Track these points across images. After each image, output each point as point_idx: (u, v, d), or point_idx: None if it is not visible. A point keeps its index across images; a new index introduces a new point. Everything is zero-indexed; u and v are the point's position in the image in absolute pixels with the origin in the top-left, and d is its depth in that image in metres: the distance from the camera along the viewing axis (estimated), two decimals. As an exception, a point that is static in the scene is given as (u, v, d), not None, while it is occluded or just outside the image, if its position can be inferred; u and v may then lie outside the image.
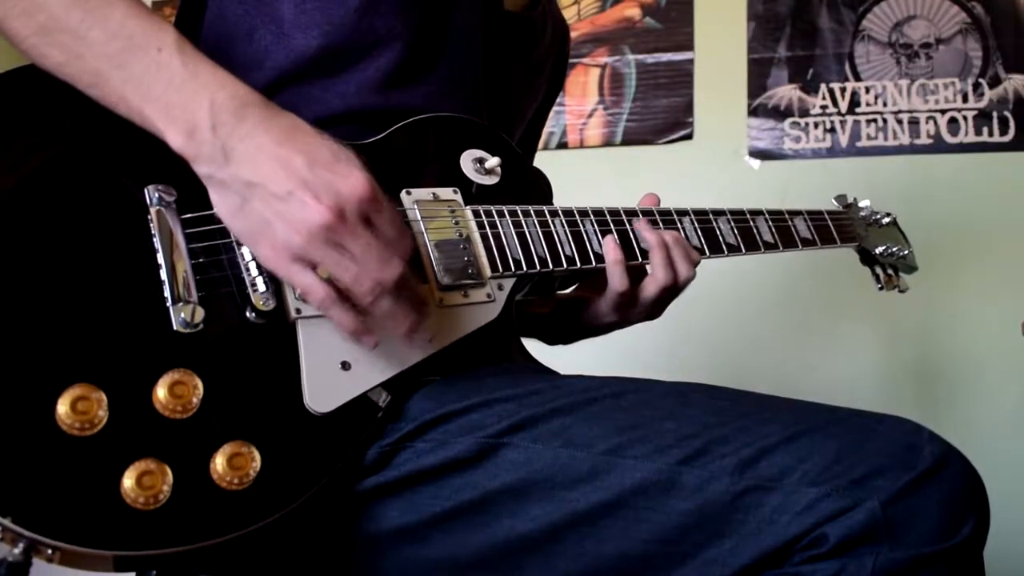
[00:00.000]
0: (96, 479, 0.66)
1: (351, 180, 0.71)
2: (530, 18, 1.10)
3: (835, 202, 1.34)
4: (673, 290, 1.00)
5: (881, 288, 1.37)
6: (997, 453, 2.00)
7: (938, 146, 2.17)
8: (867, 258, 1.37)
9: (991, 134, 2.15)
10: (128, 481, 0.66)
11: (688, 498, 0.73)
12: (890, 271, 1.38)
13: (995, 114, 2.15)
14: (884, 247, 1.34)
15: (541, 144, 1.29)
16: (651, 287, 0.98)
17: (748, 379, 0.87)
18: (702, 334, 2.24)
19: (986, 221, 2.11)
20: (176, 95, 0.72)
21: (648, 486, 0.74)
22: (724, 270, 2.19)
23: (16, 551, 0.63)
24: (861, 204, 1.36)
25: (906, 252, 1.37)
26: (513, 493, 0.76)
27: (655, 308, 1.02)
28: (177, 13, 0.97)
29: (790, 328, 2.23)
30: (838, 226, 1.24)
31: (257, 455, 0.71)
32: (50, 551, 0.64)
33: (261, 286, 0.76)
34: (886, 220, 1.37)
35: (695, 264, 1.01)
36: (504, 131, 1.02)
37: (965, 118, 2.16)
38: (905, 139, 2.19)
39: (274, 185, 0.70)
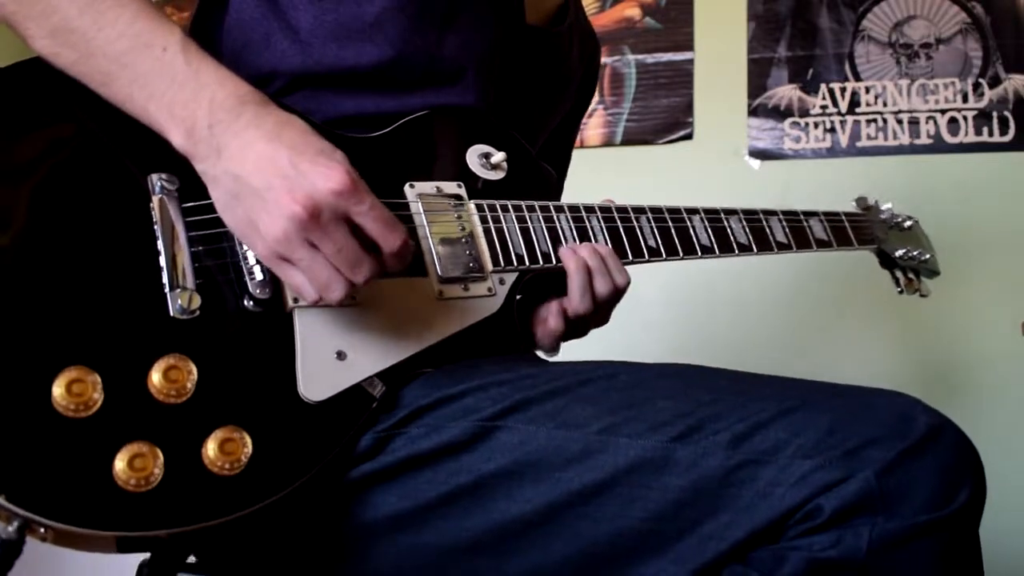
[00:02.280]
0: (89, 460, 0.66)
1: (329, 175, 0.71)
2: (554, 33, 1.09)
3: (854, 204, 1.32)
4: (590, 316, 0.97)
5: (901, 292, 1.36)
6: (999, 453, 1.99)
7: (938, 146, 2.17)
8: (887, 261, 1.35)
9: (991, 134, 2.15)
10: (120, 463, 0.66)
11: (682, 474, 0.73)
12: (911, 275, 1.36)
13: (995, 114, 2.15)
14: (904, 250, 1.32)
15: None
16: (555, 321, 0.97)
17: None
18: (708, 336, 2.24)
19: (986, 221, 2.11)
20: (179, 93, 0.73)
21: (642, 464, 0.74)
22: (730, 273, 2.20)
23: (10, 529, 0.63)
24: (883, 207, 1.34)
25: (928, 256, 1.35)
26: (508, 475, 0.76)
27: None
28: (194, 18, 0.98)
29: (794, 330, 2.23)
30: (855, 228, 1.22)
31: (249, 441, 0.71)
32: (43, 530, 0.64)
33: (258, 275, 0.76)
34: (908, 223, 1.35)
35: (617, 288, 0.97)
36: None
37: (965, 118, 2.17)
38: (905, 139, 2.19)
39: (256, 180, 0.71)
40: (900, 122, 2.20)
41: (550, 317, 0.96)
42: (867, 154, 2.20)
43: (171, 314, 0.73)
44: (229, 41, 0.94)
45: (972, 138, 2.15)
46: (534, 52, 1.07)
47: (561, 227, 0.95)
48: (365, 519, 0.79)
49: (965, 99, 2.17)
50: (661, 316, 2.27)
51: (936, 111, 2.18)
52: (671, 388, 0.78)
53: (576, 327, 0.99)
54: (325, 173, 0.71)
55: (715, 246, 1.04)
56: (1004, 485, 1.88)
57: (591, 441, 0.75)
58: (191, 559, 0.86)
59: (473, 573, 0.79)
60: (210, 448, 0.70)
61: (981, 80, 2.17)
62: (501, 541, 0.77)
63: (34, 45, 0.77)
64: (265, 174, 0.71)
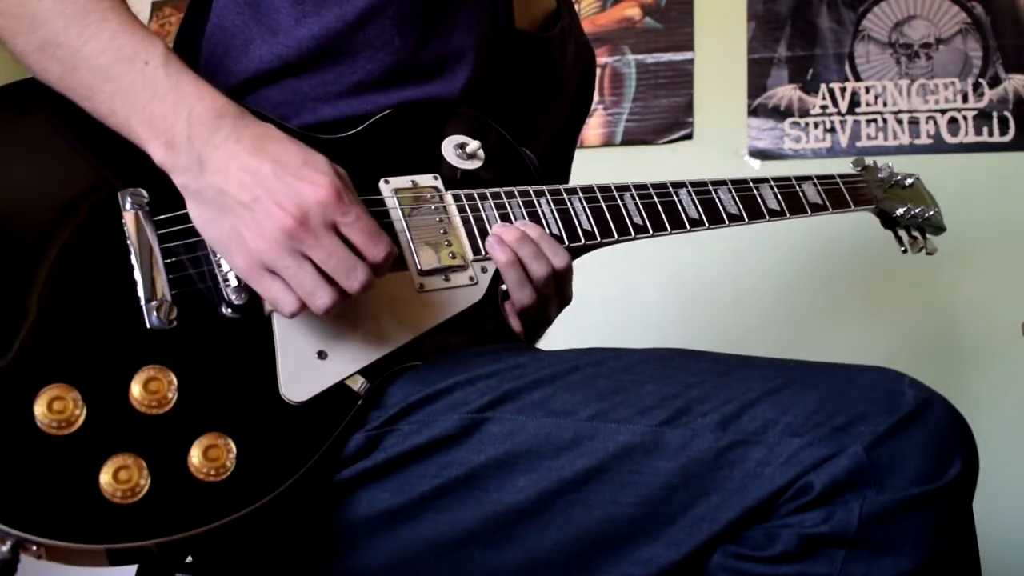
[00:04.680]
0: (75, 476, 0.66)
1: (317, 185, 0.72)
2: (546, 39, 1.09)
3: (851, 165, 1.29)
4: (541, 309, 0.95)
5: (905, 251, 1.32)
6: (997, 453, 1.99)
7: (938, 146, 2.16)
8: (888, 221, 1.30)
9: (991, 134, 2.14)
10: (105, 476, 0.67)
11: (672, 458, 0.73)
12: (915, 233, 1.32)
13: (995, 114, 2.14)
14: (906, 208, 1.27)
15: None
16: (513, 321, 0.94)
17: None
18: (706, 335, 2.24)
19: (986, 221, 2.10)
20: (159, 106, 0.74)
21: (632, 449, 0.74)
22: (725, 269, 2.20)
23: (4, 549, 0.64)
24: (880, 165, 1.31)
25: (931, 212, 1.30)
26: (499, 466, 0.77)
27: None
28: (181, 23, 0.99)
29: (790, 328, 2.23)
30: (851, 189, 1.19)
31: (233, 446, 0.71)
32: (35, 548, 0.65)
33: (234, 281, 0.77)
34: (909, 180, 1.31)
35: (555, 271, 0.92)
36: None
37: (965, 118, 2.16)
38: (905, 139, 2.18)
39: (241, 193, 0.72)
40: (900, 122, 2.19)
41: (510, 319, 0.94)
42: (867, 154, 2.19)
43: (148, 326, 0.73)
44: (209, 47, 0.95)
45: (972, 138, 2.15)
46: (523, 57, 1.06)
47: (542, 211, 0.94)
48: (359, 516, 0.80)
49: (965, 99, 2.16)
50: (659, 315, 2.27)
51: (936, 111, 2.18)
52: (656, 372, 0.78)
53: (536, 317, 0.97)
54: (311, 184, 0.72)
55: (704, 219, 1.02)
56: (1004, 485, 1.88)
57: (580, 428, 0.75)
58: (188, 559, 0.87)
59: (468, 564, 0.79)
60: (194, 456, 0.70)
61: (981, 80, 2.16)
62: (495, 531, 0.77)
63: (25, 62, 0.79)
64: (250, 187, 0.71)
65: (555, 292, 0.95)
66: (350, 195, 0.74)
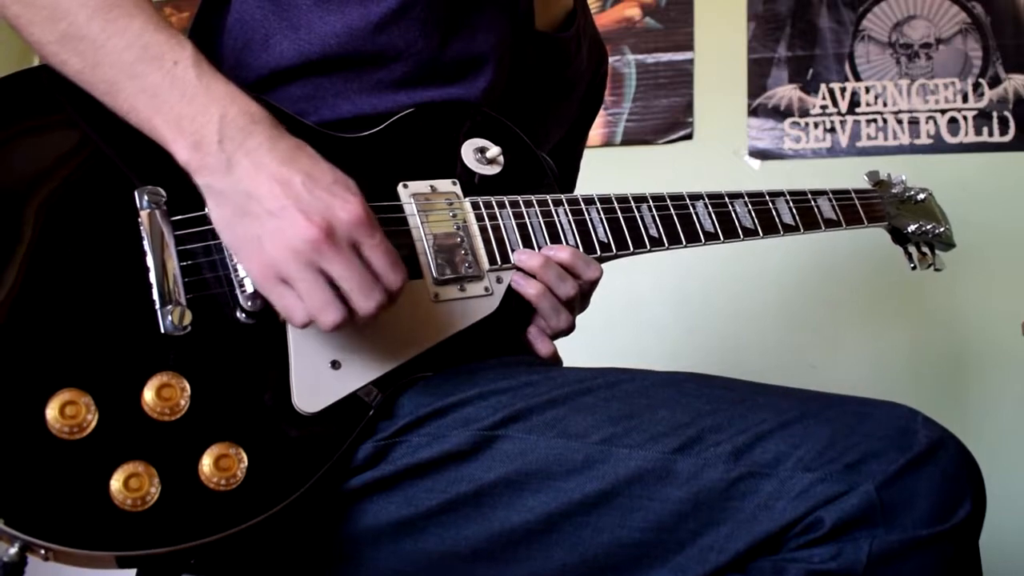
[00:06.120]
0: (85, 482, 0.66)
1: (347, 203, 0.72)
2: (562, 39, 1.09)
3: (866, 178, 1.29)
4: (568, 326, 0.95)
5: (914, 268, 1.32)
6: (997, 453, 2.00)
7: (938, 146, 2.17)
8: (899, 237, 1.30)
9: (991, 134, 2.14)
10: (116, 483, 0.67)
11: (683, 486, 0.73)
12: (925, 249, 1.32)
13: (995, 114, 2.14)
14: (917, 225, 1.27)
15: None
16: (543, 345, 0.94)
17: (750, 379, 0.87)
18: (707, 337, 2.24)
19: (986, 221, 2.10)
20: (188, 107, 0.73)
21: (643, 475, 0.74)
22: (732, 275, 2.20)
23: (12, 551, 0.64)
24: (895, 179, 1.31)
25: (942, 229, 1.30)
26: (508, 485, 0.77)
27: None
28: (195, 17, 0.98)
29: (793, 330, 2.23)
30: (866, 205, 1.19)
31: (244, 456, 0.71)
32: (43, 551, 0.65)
33: (249, 287, 0.76)
34: (921, 196, 1.31)
35: (589, 283, 0.94)
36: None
37: (965, 118, 2.16)
38: (905, 139, 2.19)
39: (269, 201, 0.71)
40: (900, 122, 2.19)
41: (537, 344, 0.94)
42: (867, 154, 2.20)
43: (162, 331, 0.73)
44: (230, 41, 0.94)
45: (972, 138, 2.15)
46: (540, 58, 1.06)
47: (560, 221, 0.93)
48: (365, 527, 0.80)
49: (965, 99, 2.17)
50: (662, 317, 2.26)
51: (936, 111, 2.18)
52: (670, 397, 0.78)
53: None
54: (342, 201, 0.72)
55: (719, 232, 1.02)
56: (1004, 486, 1.88)
57: (592, 451, 0.75)
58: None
59: None
60: (205, 464, 0.70)
61: (981, 80, 2.16)
62: (501, 549, 0.77)
63: (42, 52, 0.77)
64: (279, 196, 0.71)
65: (580, 301, 0.95)
66: (375, 218, 0.74)
